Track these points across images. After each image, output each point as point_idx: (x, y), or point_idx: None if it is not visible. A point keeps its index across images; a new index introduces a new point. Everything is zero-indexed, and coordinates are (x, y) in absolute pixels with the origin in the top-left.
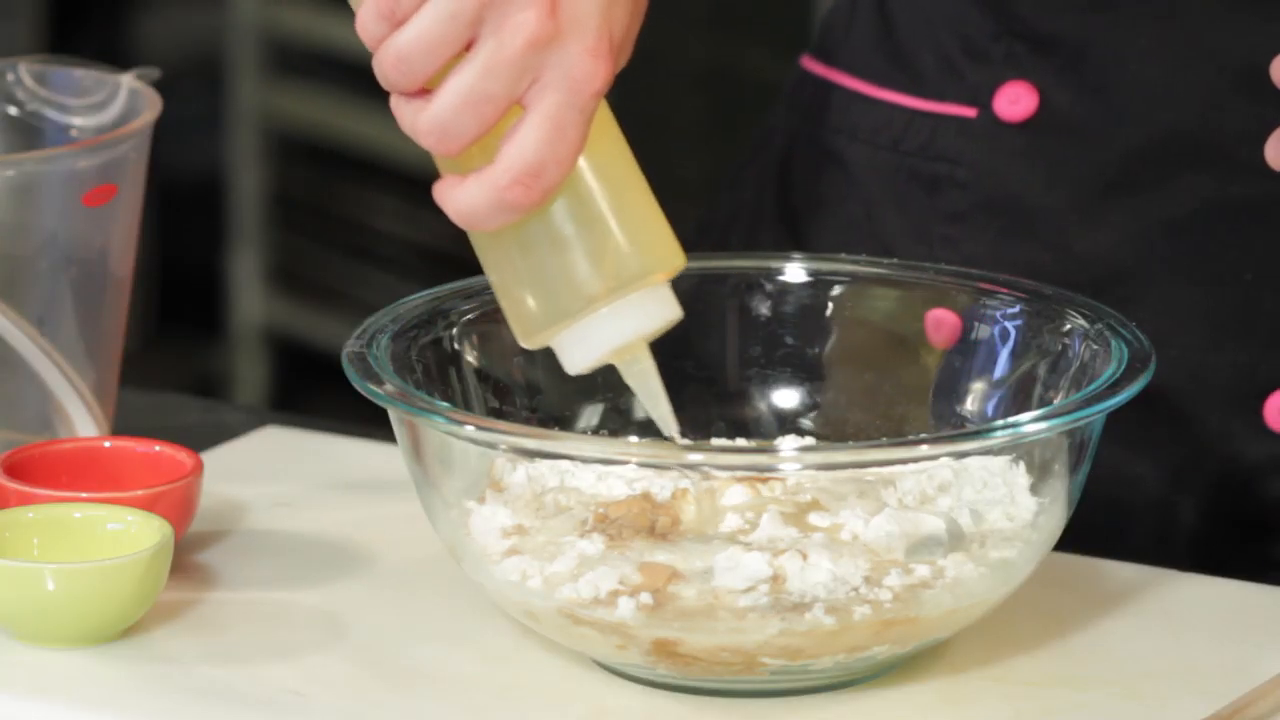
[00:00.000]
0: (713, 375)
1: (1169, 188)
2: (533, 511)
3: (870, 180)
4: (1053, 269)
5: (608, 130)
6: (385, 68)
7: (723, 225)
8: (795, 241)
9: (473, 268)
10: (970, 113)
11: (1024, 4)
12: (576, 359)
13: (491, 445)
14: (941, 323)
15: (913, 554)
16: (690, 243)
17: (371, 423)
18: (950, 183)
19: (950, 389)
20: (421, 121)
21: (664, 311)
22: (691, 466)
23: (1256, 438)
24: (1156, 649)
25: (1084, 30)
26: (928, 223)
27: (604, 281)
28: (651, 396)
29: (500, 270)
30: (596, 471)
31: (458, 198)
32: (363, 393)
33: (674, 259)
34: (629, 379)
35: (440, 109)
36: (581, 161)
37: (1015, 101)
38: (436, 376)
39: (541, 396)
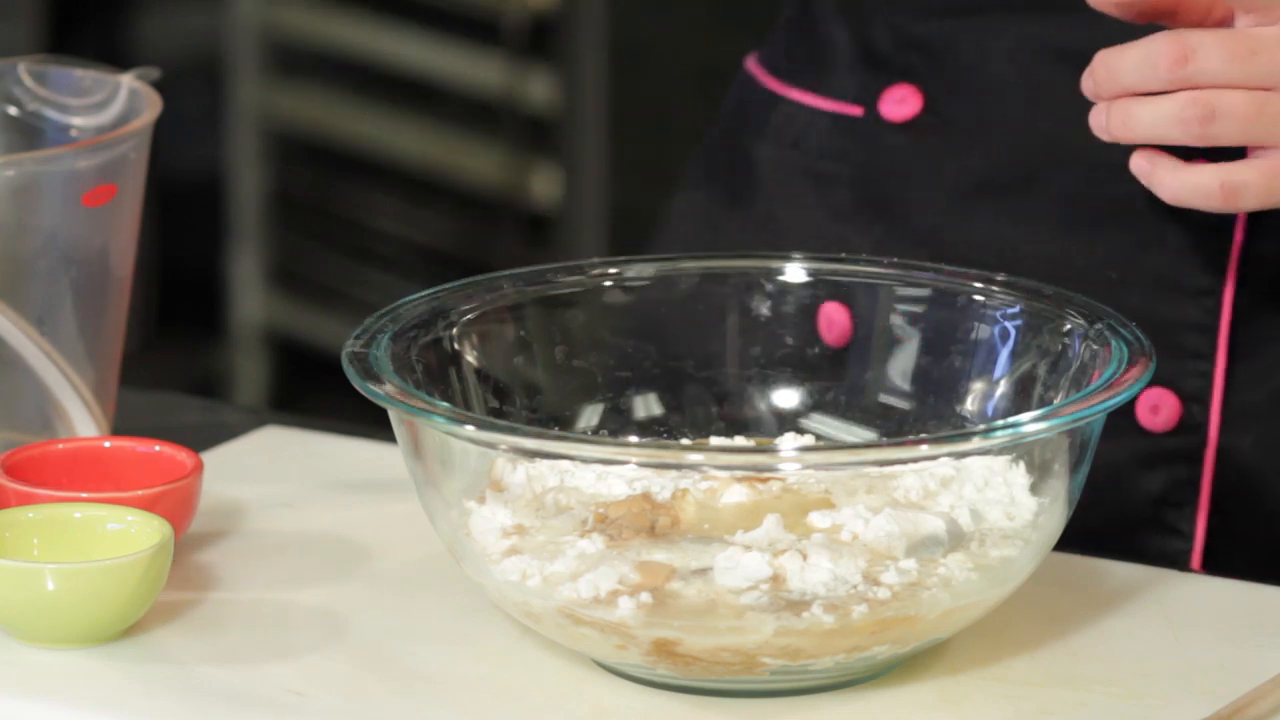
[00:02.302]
0: (713, 375)
1: (1035, 188)
2: (533, 511)
3: (773, 180)
4: None
5: None
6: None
7: (675, 226)
8: (713, 241)
9: (473, 267)
10: (857, 111)
11: (903, 9)
12: None
13: (491, 445)
14: (833, 320)
15: (913, 554)
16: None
17: (371, 423)
18: (838, 181)
19: (950, 389)
20: None
21: None
22: (692, 466)
23: (1128, 434)
24: (1156, 649)
25: (954, 34)
26: (821, 222)
27: None
28: None
29: None
30: (596, 471)
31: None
32: (363, 393)
33: None
34: None
35: None
36: None
37: (901, 102)
38: (436, 376)
39: (541, 396)
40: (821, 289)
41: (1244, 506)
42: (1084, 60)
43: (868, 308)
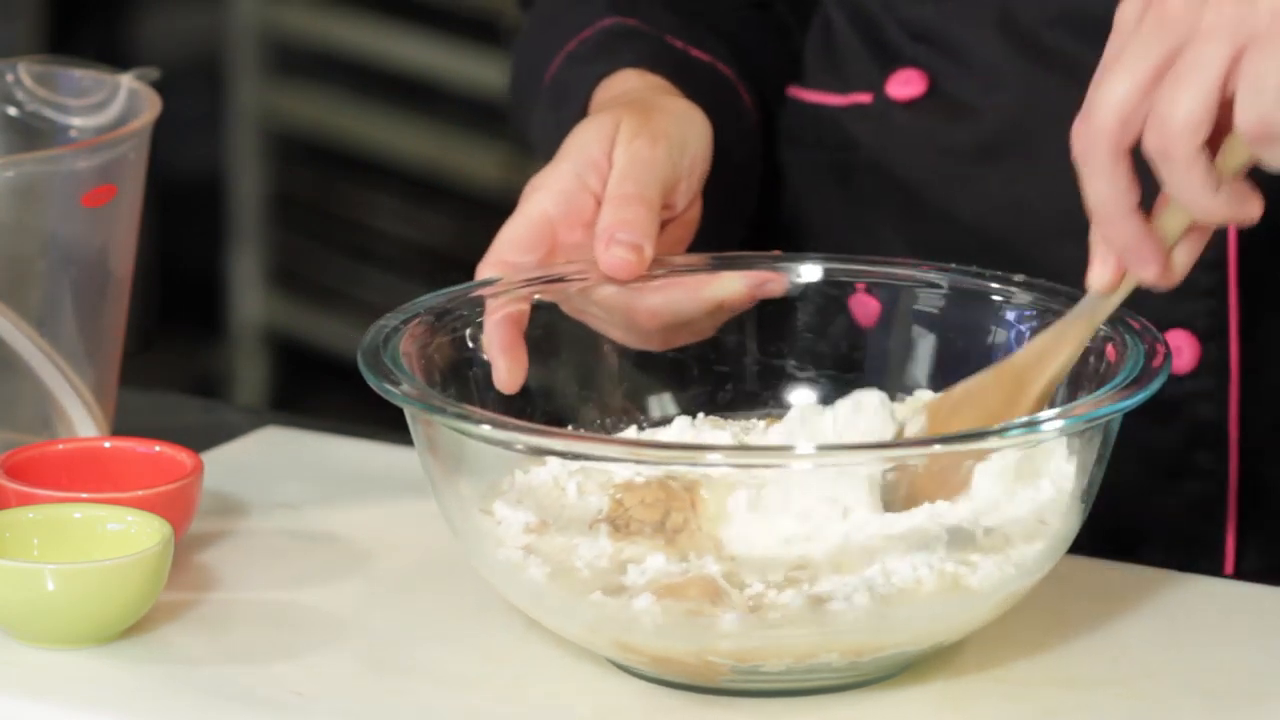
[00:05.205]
0: (725, 372)
1: (1039, 149)
2: (551, 509)
3: (800, 181)
4: (944, 242)
5: None
6: None
7: None
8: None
9: (473, 267)
10: (867, 99)
11: (901, 2)
12: None
13: (508, 445)
14: (866, 306)
15: (926, 552)
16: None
17: (372, 423)
18: (853, 168)
19: None
20: None
21: None
22: (698, 465)
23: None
24: (1156, 649)
25: (945, 16)
26: (849, 211)
27: None
28: None
29: None
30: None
31: None
32: (379, 393)
33: None
34: None
35: None
36: None
37: (907, 83)
38: (451, 376)
39: (558, 395)
40: (838, 287)
41: (1273, 439)
42: (1071, 23)
43: (884, 308)
